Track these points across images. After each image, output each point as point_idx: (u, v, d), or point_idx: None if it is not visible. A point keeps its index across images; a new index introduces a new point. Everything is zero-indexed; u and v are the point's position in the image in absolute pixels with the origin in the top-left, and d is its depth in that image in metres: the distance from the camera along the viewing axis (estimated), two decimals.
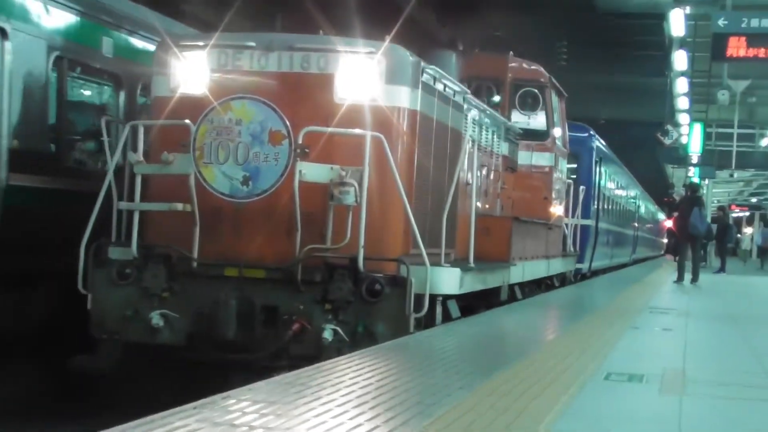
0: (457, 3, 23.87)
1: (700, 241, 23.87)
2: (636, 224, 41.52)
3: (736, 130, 46.96)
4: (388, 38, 9.47)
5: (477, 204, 12.13)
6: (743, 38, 21.72)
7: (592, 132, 24.28)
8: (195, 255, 8.85)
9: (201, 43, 9.42)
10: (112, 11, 12.73)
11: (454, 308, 10.13)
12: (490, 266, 11.88)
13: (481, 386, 6.38)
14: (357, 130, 8.68)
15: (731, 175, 59.28)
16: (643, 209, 46.06)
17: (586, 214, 21.82)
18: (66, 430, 8.87)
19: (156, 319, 8.60)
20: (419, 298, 8.72)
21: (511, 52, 15.04)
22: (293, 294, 8.60)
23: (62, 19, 11.74)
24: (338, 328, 8.40)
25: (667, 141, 47.17)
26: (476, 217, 11.70)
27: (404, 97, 9.22)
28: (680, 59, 32.79)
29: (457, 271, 9.82)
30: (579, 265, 21.87)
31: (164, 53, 9.53)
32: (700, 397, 6.78)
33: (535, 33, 22.83)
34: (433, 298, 9.06)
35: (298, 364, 6.73)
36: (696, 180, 41.81)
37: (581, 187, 19.92)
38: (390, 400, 5.48)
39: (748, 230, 64.66)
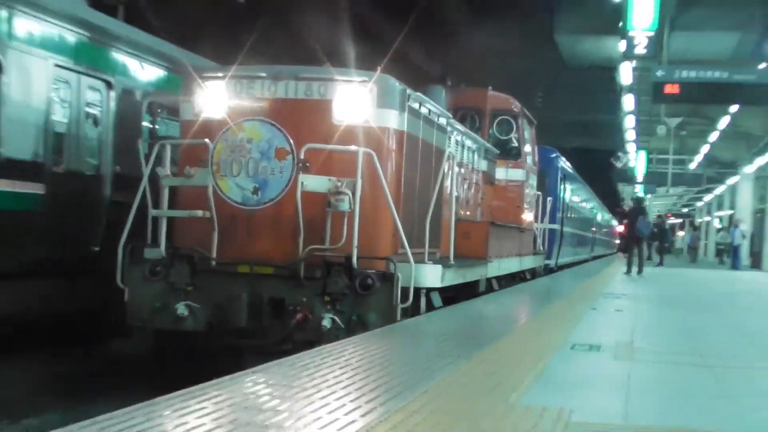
0: (452, 50, 24.00)
1: (644, 242, 24.55)
2: (594, 228, 42.93)
3: (671, 156, 48.10)
4: (379, 68, 9.27)
5: (459, 211, 12.08)
6: (676, 85, 22.18)
7: (557, 154, 24.84)
8: (213, 255, 8.82)
9: (220, 75, 9.45)
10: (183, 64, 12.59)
11: (436, 299, 9.90)
12: (470, 263, 11.63)
13: (469, 359, 6.45)
14: (351, 147, 8.57)
15: (667, 191, 61.44)
16: (599, 217, 47.84)
17: (552, 220, 21.63)
18: (99, 407, 8.37)
19: (181, 309, 8.56)
20: (405, 290, 8.60)
21: (490, 87, 15.14)
22: (297, 288, 8.50)
23: (152, 72, 12.50)
24: (336, 317, 8.30)
25: (619, 164, 52.24)
26: (458, 222, 11.67)
27: (392, 119, 9.13)
28: (628, 101, 33.33)
29: (438, 267, 9.54)
30: (547, 261, 21.91)
31: (190, 84, 9.53)
32: (644, 362, 7.05)
33: (518, 82, 22.92)
34: (417, 290, 8.91)
35: (301, 348, 6.64)
36: (641, 194, 43.70)
37: (549, 198, 20.09)
38: (381, 377, 5.40)
39: (680, 233, 65.15)
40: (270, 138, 8.61)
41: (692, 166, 53.42)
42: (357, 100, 8.82)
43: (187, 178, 8.87)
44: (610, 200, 57.16)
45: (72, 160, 11.37)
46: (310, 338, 8.13)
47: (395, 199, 8.84)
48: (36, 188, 10.37)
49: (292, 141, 8.48)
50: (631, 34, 20.23)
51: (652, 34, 20.54)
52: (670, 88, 22.29)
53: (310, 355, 6.10)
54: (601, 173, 52.31)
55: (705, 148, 46.56)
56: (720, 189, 58.93)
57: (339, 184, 8.35)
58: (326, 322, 8.26)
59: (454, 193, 11.84)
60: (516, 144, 15.48)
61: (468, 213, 13.07)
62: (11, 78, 10.11)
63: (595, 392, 5.52)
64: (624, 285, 18.31)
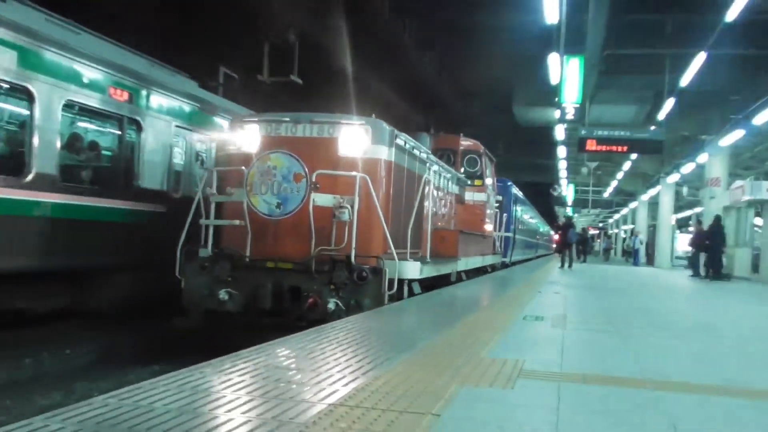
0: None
1: (572, 246, 25.07)
2: (538, 236, 42.07)
3: (591, 188, 49.20)
4: (373, 115, 9.31)
5: (437, 222, 12.08)
6: (594, 140, 22.30)
7: (511, 183, 24.73)
8: (247, 254, 8.63)
9: (255, 119, 9.35)
10: (210, 103, 12.99)
11: (417, 287, 9.64)
12: (444, 260, 11.48)
13: (451, 327, 6.37)
14: (351, 173, 8.39)
15: (588, 211, 62.54)
16: (542, 229, 46.76)
17: (507, 230, 21.36)
18: (163, 367, 8.31)
19: (222, 294, 8.39)
20: (392, 281, 8.42)
21: (462, 134, 15.40)
22: (310, 279, 8.27)
23: (185, 107, 12.05)
24: (339, 302, 8.09)
25: (555, 193, 51.99)
26: (436, 230, 11.69)
27: (383, 153, 8.95)
28: (561, 151, 33.71)
29: (417, 263, 9.30)
30: (504, 259, 21.70)
31: (234, 125, 9.49)
32: (573, 329, 6.98)
33: (487, 135, 23.01)
34: (401, 281, 8.72)
35: (313, 325, 6.35)
36: (570, 214, 43.54)
37: (504, 215, 20.02)
38: (376, 343, 5.25)
39: (598, 241, 65.22)
40: (289, 165, 8.61)
41: (605, 194, 53.85)
42: (356, 138, 8.74)
43: (228, 195, 8.79)
44: (550, 218, 57.39)
45: (185, 189, 12.03)
46: (320, 317, 7.91)
47: (384, 212, 8.66)
48: (161, 208, 11.20)
49: (306, 168, 8.48)
50: (563, 105, 20.25)
51: (578, 106, 20.55)
52: (590, 143, 22.37)
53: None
54: (543, 199, 52.76)
55: (614, 183, 46.84)
56: (624, 210, 59.40)
57: (341, 200, 8.25)
58: (331, 305, 8.05)
59: (432, 209, 11.66)
60: (480, 175, 15.38)
61: (444, 224, 12.93)
62: (147, 134, 11.09)
63: (540, 349, 5.51)
64: (560, 276, 18.26)
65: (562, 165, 39.55)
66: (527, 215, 34.02)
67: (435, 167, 11.91)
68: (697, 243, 24.61)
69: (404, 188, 9.77)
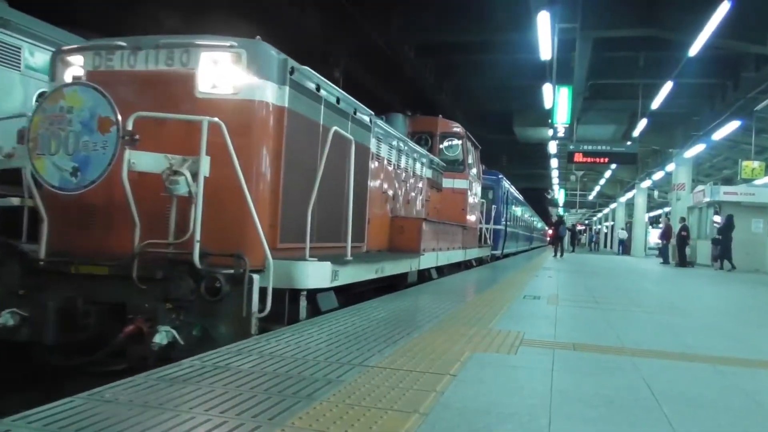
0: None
1: (564, 239, 24.73)
2: (534, 231, 38.87)
3: (578, 192, 48.83)
4: (258, 37, 4.77)
5: (397, 209, 8.33)
6: (581, 154, 21.96)
7: (502, 176, 20.64)
8: (42, 252, 4.32)
9: (78, 47, 4.93)
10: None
11: (326, 302, 5.18)
12: (393, 256, 7.44)
13: (464, 304, 5.82)
14: (191, 116, 4.20)
15: (577, 211, 61.92)
16: (538, 224, 44.67)
17: (498, 222, 18.49)
18: None
19: (6, 317, 4.08)
20: (279, 292, 4.36)
21: (440, 115, 11.92)
22: (138, 292, 4.03)
23: None
24: (173, 331, 3.91)
25: (549, 196, 52.39)
26: (394, 218, 8.08)
27: (268, 93, 4.63)
28: (554, 162, 33.23)
29: (326, 264, 4.88)
30: (494, 252, 18.44)
31: (55, 60, 4.97)
32: (565, 306, 6.82)
33: (492, 151, 22.80)
34: (295, 292, 4.61)
35: (138, 367, 3.34)
36: (562, 213, 42.92)
37: (495, 207, 17.11)
38: (405, 317, 4.66)
39: (584, 235, 64.37)
40: (92, 106, 4.10)
41: (590, 197, 53.24)
42: (224, 70, 4.55)
43: (7, 160, 4.53)
44: (545, 216, 56.88)
45: None
46: (145, 354, 3.90)
47: (274, 185, 4.61)
48: None
49: (118, 110, 4.01)
50: (555, 126, 19.96)
51: (567, 125, 20.27)
52: (578, 156, 22.06)
53: (359, 308, 4.80)
54: (539, 201, 52.37)
55: (597, 188, 46.29)
56: (606, 210, 58.38)
57: (173, 162, 4.04)
58: (160, 337, 3.85)
59: (389, 192, 7.99)
60: (461, 159, 11.76)
61: (412, 212, 9.10)
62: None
63: (537, 322, 5.40)
64: (553, 263, 18.03)
65: (555, 174, 39.29)
66: (520, 210, 29.96)
67: (394, 142, 8.07)
68: (667, 236, 24.29)
69: (323, 155, 5.10)
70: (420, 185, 9.68)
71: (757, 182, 22.72)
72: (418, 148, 9.62)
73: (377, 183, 7.47)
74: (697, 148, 23.37)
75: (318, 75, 5.26)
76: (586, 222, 78.85)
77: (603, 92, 21.99)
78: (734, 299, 9.88)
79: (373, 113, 7.03)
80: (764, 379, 3.65)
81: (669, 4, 14.66)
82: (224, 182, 4.19)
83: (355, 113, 6.33)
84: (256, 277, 4.12)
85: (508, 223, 21.92)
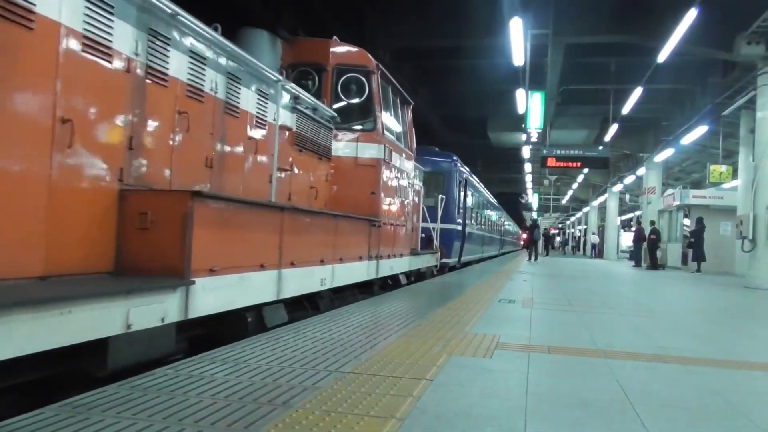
0: None
1: (538, 243, 24.97)
2: (504, 233, 34.67)
3: (552, 196, 49.60)
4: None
5: (147, 170, 3.77)
6: (554, 158, 22.18)
7: (456, 158, 15.59)
8: None
9: None
10: None
11: None
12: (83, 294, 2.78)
13: (443, 306, 5.77)
14: None
15: (550, 215, 63.05)
16: (510, 227, 43.42)
17: (450, 220, 14.21)
18: None
19: None
20: None
21: (335, 37, 7.48)
22: None
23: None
24: None
25: (524, 201, 53.04)
26: (127, 194, 3.51)
27: None
28: (527, 167, 33.41)
29: None
30: (446, 260, 13.89)
31: None
32: (539, 309, 6.83)
33: (468, 156, 22.87)
34: None
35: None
36: (536, 217, 43.46)
37: (441, 197, 12.22)
38: (384, 321, 4.57)
39: (558, 238, 65.14)
40: None
41: (563, 201, 53.97)
42: None
43: None
44: (519, 221, 57.51)
45: None
46: None
47: None
48: None
49: None
50: (529, 131, 20.19)
51: (540, 130, 20.52)
52: (551, 160, 22.33)
53: (337, 313, 4.95)
54: (514, 206, 52.96)
55: (570, 192, 46.87)
56: (579, 214, 59.24)
57: None
58: None
59: (146, 139, 3.77)
60: (371, 111, 7.40)
61: (253, 189, 5.15)
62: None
63: (512, 325, 5.44)
64: (527, 267, 18.18)
65: (528, 178, 39.75)
66: (487, 207, 24.97)
67: (171, 31, 4.00)
68: (638, 239, 24.71)
69: None
70: (261, 136, 5.38)
71: (725, 186, 23.26)
72: (268, 72, 5.43)
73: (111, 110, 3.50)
74: (667, 153, 23.87)
75: None
76: (560, 226, 79.98)
77: (575, 97, 22.38)
78: (704, 301, 10.07)
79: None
80: (735, 379, 3.72)
81: (639, 12, 14.96)
82: None
83: None
84: None
85: (468, 222, 17.73)
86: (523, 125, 20.26)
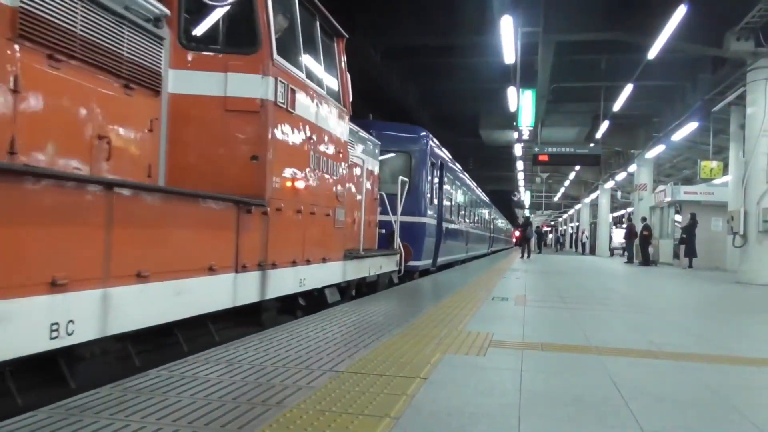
0: None
1: (530, 240, 25.07)
2: (492, 230, 30.56)
3: (544, 193, 49.87)
4: None
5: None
6: (545, 156, 22.27)
7: (427, 134, 11.90)
8: None
9: None
10: None
11: None
12: None
13: (436, 305, 5.84)
14: None
15: (543, 213, 63.22)
16: (500, 223, 40.93)
17: (420, 212, 11.13)
18: None
19: None
20: None
21: None
22: None
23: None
24: None
25: (515, 198, 52.99)
26: None
27: None
28: (519, 164, 33.52)
29: None
30: (415, 263, 10.81)
31: None
32: (533, 307, 6.86)
33: (460, 153, 22.95)
34: None
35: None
36: (528, 214, 43.57)
37: (400, 178, 9.17)
38: (377, 320, 4.76)
39: (550, 235, 65.36)
40: None
41: (555, 198, 54.21)
42: None
43: None
44: (511, 218, 57.67)
45: None
46: None
47: None
48: None
49: None
50: (520, 128, 20.28)
51: (531, 128, 20.63)
52: (542, 157, 22.42)
53: (328, 312, 5.09)
54: (506, 203, 53.06)
55: (562, 189, 47.09)
56: (571, 211, 59.54)
57: None
58: None
59: None
60: (252, 22, 4.36)
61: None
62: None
63: (506, 323, 5.47)
64: (520, 264, 18.25)
65: (521, 176, 39.91)
66: (473, 199, 20.85)
67: None
68: (630, 236, 24.82)
69: None
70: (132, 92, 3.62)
71: (715, 182, 23.41)
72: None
73: None
74: (658, 149, 24.00)
75: None
76: (552, 223, 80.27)
77: (566, 95, 22.45)
78: (696, 297, 10.13)
79: None
80: (727, 374, 3.75)
81: (629, 9, 15.04)
82: None
83: None
84: None
85: (448, 216, 14.52)
86: (514, 123, 20.33)
